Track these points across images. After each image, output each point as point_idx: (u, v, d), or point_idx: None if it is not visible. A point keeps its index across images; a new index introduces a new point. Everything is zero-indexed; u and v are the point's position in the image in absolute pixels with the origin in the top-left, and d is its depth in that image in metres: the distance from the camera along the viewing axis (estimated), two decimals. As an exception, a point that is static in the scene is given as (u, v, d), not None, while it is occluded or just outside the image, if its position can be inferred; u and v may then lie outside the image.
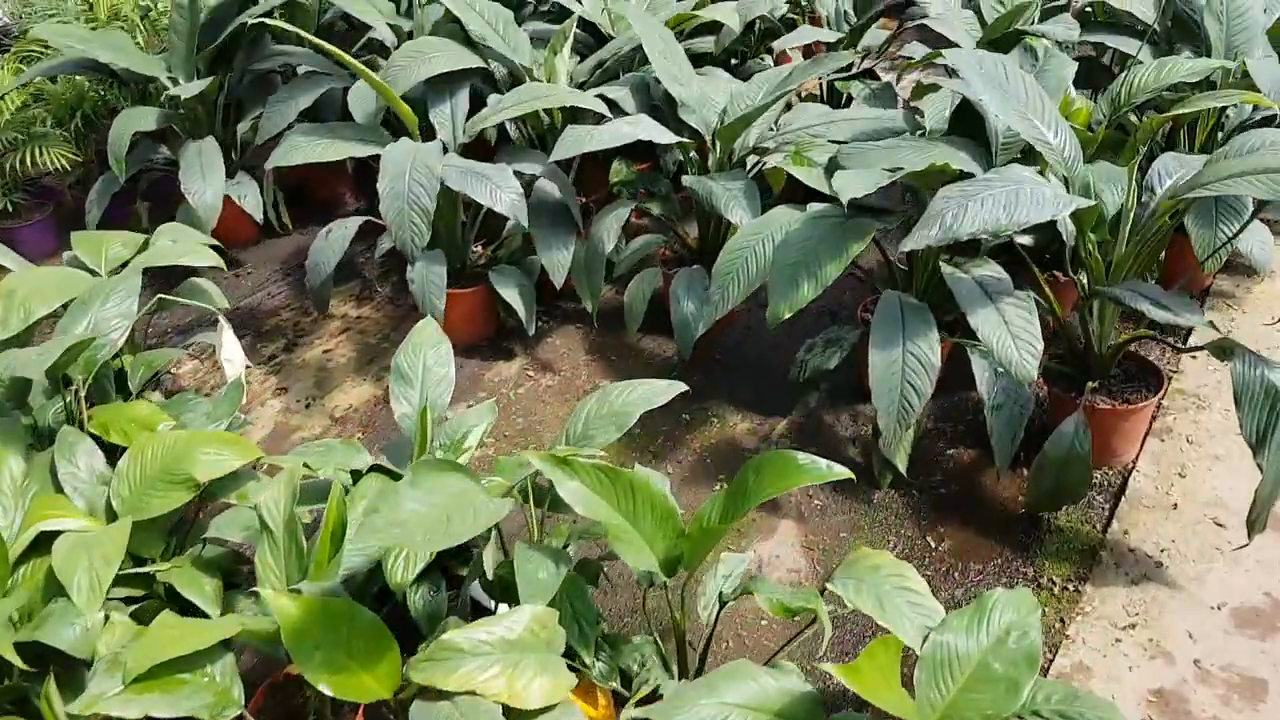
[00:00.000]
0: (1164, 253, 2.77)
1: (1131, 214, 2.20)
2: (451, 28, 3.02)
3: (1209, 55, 2.87)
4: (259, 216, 3.20)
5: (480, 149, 3.31)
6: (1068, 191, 2.20)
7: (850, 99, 3.31)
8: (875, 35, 3.78)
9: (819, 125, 2.66)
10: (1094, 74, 3.21)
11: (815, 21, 3.74)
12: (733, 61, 3.76)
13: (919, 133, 2.59)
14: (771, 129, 2.85)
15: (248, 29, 3.24)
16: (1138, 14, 2.95)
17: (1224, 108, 2.84)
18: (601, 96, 2.78)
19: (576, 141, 2.53)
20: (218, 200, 3.05)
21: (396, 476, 1.80)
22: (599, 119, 2.69)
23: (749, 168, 2.76)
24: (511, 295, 2.81)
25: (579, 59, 3.29)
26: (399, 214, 2.36)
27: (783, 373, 2.78)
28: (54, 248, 3.52)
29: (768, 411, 2.74)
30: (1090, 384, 2.36)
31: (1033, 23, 3.13)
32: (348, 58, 2.52)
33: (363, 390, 2.87)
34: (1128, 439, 2.44)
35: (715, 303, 2.35)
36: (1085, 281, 2.29)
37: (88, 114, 3.47)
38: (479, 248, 3.16)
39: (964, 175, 2.17)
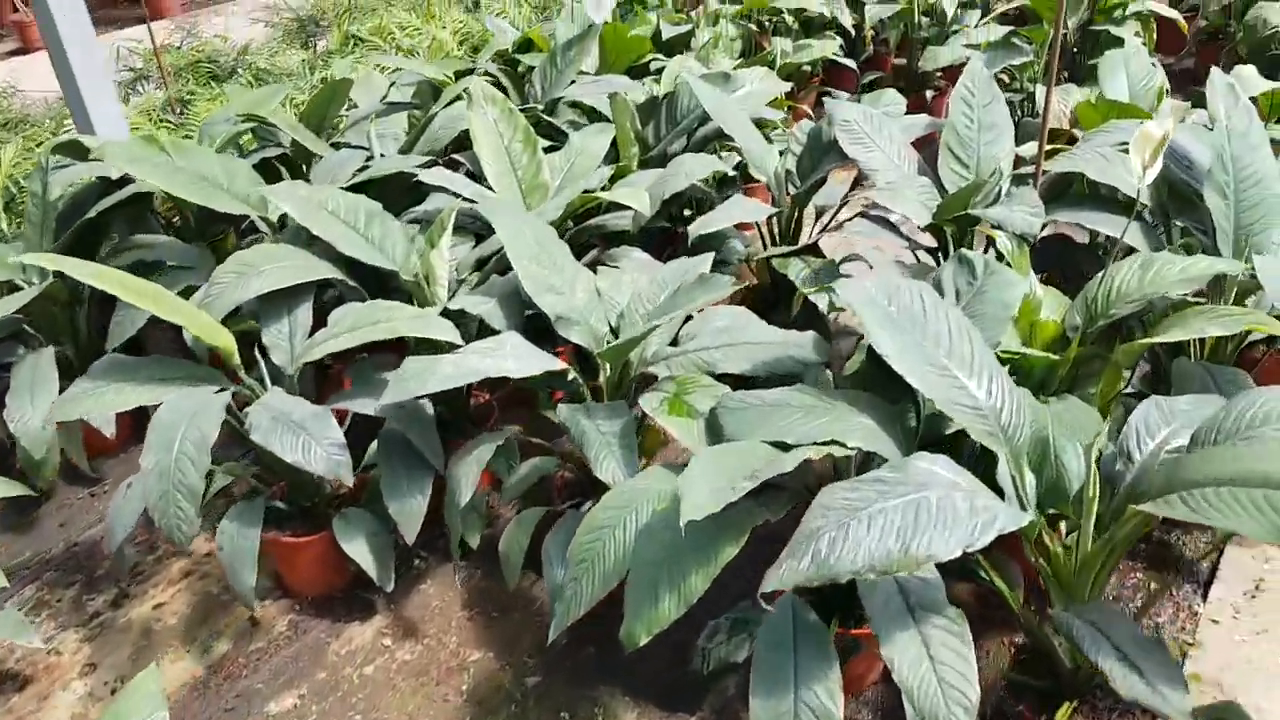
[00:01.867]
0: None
1: (1094, 500, 1.71)
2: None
3: (1213, 236, 2.40)
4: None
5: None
6: (1010, 469, 1.72)
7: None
8: (831, 193, 3.38)
9: (718, 348, 2.23)
10: (1072, 259, 2.74)
11: (750, 189, 3.35)
12: (686, 212, 3.39)
13: (847, 369, 2.15)
14: (675, 341, 2.43)
15: (92, 222, 2.96)
16: (1123, 187, 2.50)
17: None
18: (462, 312, 2.40)
19: (418, 378, 2.13)
20: (50, 426, 2.70)
21: None
22: (450, 346, 2.30)
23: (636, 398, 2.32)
24: (358, 549, 2.39)
25: (475, 241, 2.94)
26: (161, 497, 1.96)
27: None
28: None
29: (673, 704, 2.24)
30: (1067, 704, 1.83)
31: (999, 194, 2.71)
32: (122, 286, 2.15)
33: (181, 668, 2.44)
34: (1122, 777, 1.89)
35: (568, 600, 1.89)
36: (1042, 584, 1.79)
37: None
38: (345, 473, 2.76)
39: (870, 459, 1.71)
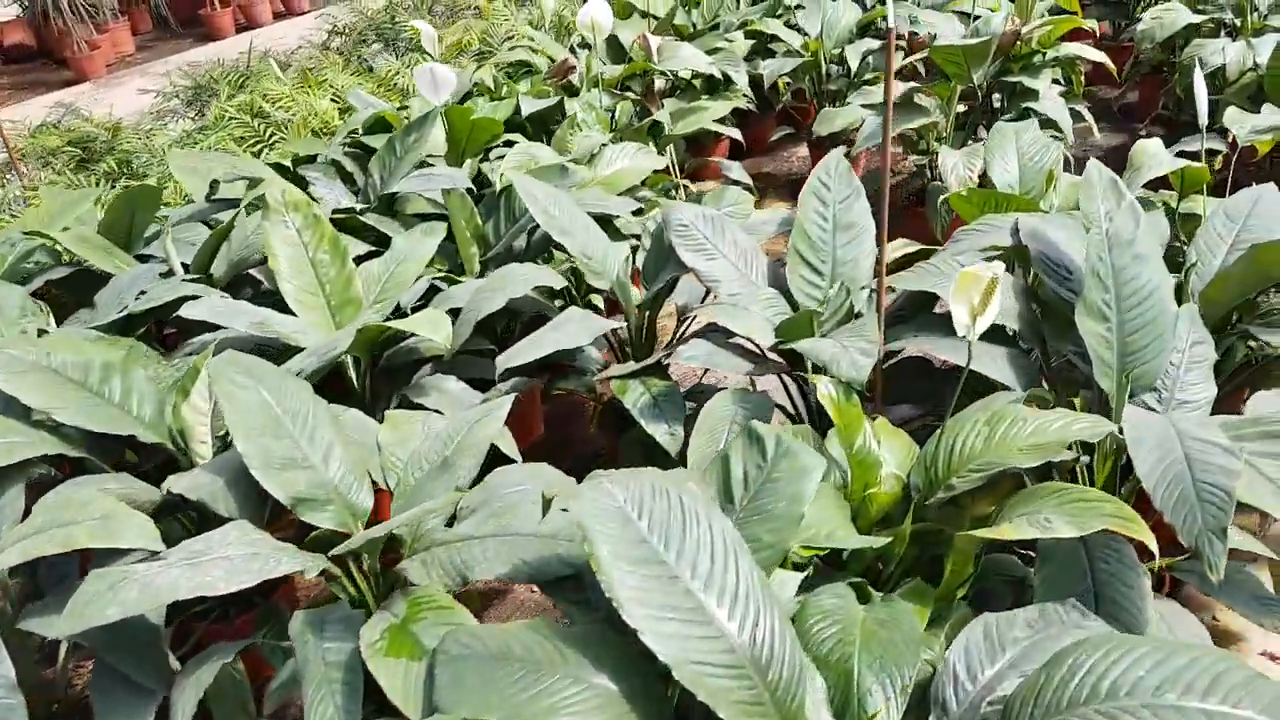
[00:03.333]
0: None
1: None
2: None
3: (1090, 364, 2.03)
4: None
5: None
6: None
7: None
8: (695, 290, 3.02)
9: (484, 539, 1.85)
10: (933, 385, 2.37)
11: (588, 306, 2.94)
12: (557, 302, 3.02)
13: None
14: (455, 516, 2.06)
15: None
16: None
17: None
18: (178, 499, 2.01)
19: (96, 604, 1.73)
20: None
21: None
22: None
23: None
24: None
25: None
26: None
27: None
28: None
29: None
30: None
31: (850, 312, 2.35)
32: None
33: None
34: None
35: None
36: None
37: None
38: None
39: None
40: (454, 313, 2.65)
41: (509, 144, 3.51)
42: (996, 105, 4.33)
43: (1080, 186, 2.73)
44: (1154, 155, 2.53)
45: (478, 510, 2.01)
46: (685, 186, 4.06)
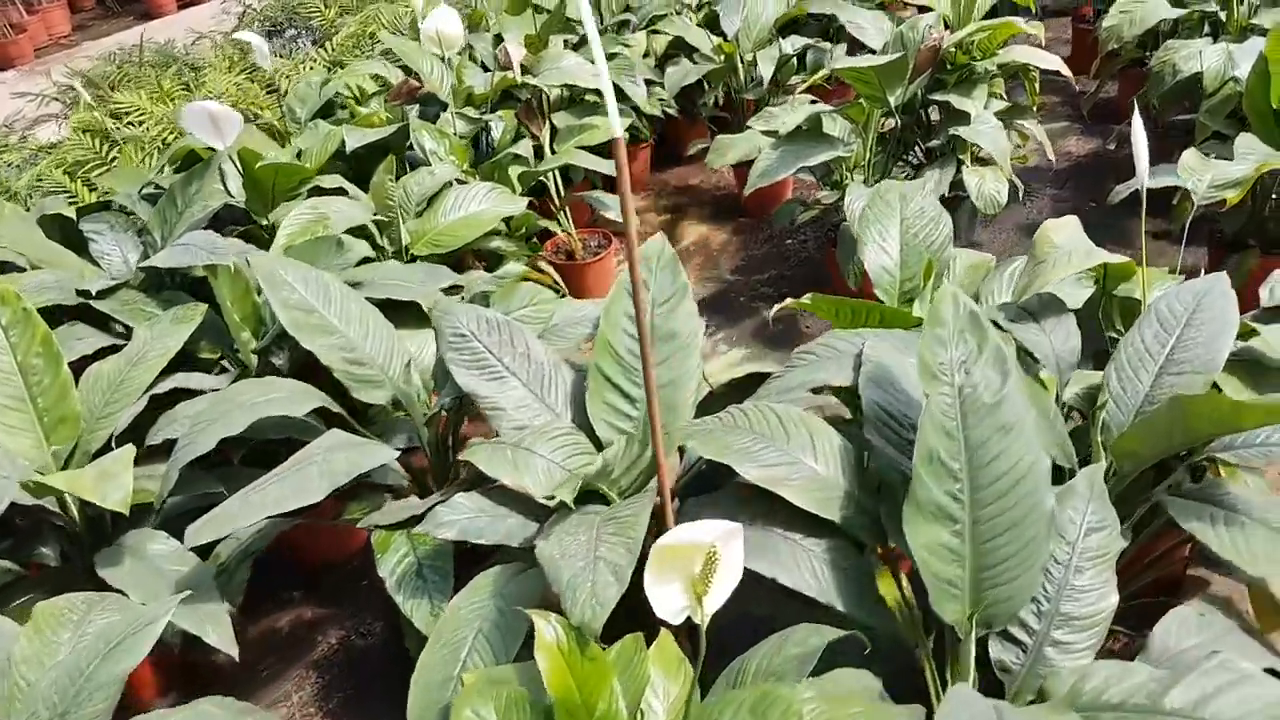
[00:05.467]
0: None
1: None
2: None
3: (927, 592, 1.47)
4: None
5: None
6: None
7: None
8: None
9: None
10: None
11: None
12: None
13: None
14: None
15: None
16: (802, 497, 1.56)
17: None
18: None
19: None
20: None
21: None
22: None
23: None
24: None
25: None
26: None
27: None
28: None
29: None
30: None
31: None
32: None
33: None
34: None
35: None
36: None
37: None
38: None
39: None
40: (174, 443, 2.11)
41: (316, 192, 2.92)
42: (935, 120, 3.72)
43: (975, 271, 2.17)
44: (1062, 247, 1.93)
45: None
46: (564, 233, 3.49)
